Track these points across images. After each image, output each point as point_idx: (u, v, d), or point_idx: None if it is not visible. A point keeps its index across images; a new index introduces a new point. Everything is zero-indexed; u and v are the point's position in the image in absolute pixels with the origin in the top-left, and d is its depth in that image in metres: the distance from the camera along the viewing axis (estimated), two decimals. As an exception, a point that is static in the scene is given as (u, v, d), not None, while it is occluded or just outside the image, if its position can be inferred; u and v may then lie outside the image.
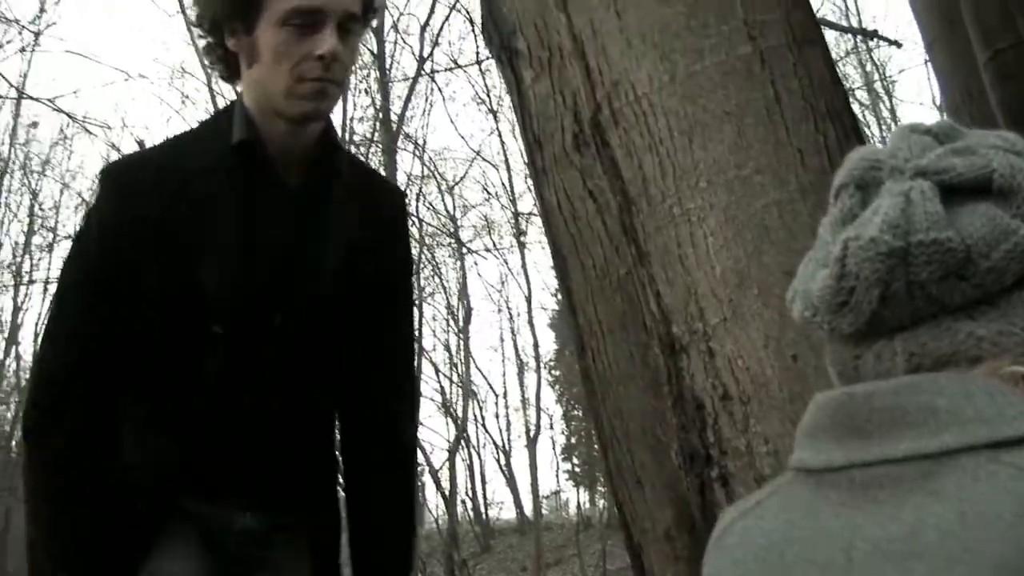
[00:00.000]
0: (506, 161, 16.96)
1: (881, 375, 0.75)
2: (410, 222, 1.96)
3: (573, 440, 23.26)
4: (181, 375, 1.48)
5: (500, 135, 20.38)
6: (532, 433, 17.57)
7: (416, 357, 1.86)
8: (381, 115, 13.24)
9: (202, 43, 1.59)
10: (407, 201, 1.82)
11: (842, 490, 0.72)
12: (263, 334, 1.50)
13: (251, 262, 1.48)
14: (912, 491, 0.67)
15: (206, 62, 1.73)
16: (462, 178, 18.36)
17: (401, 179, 15.79)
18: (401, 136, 14.31)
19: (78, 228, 1.58)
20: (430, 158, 16.86)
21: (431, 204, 17.28)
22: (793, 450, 0.80)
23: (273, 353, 1.52)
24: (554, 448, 24.31)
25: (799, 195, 1.46)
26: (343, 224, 1.58)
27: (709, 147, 1.51)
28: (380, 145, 13.40)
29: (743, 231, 1.43)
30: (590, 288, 1.80)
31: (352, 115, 14.04)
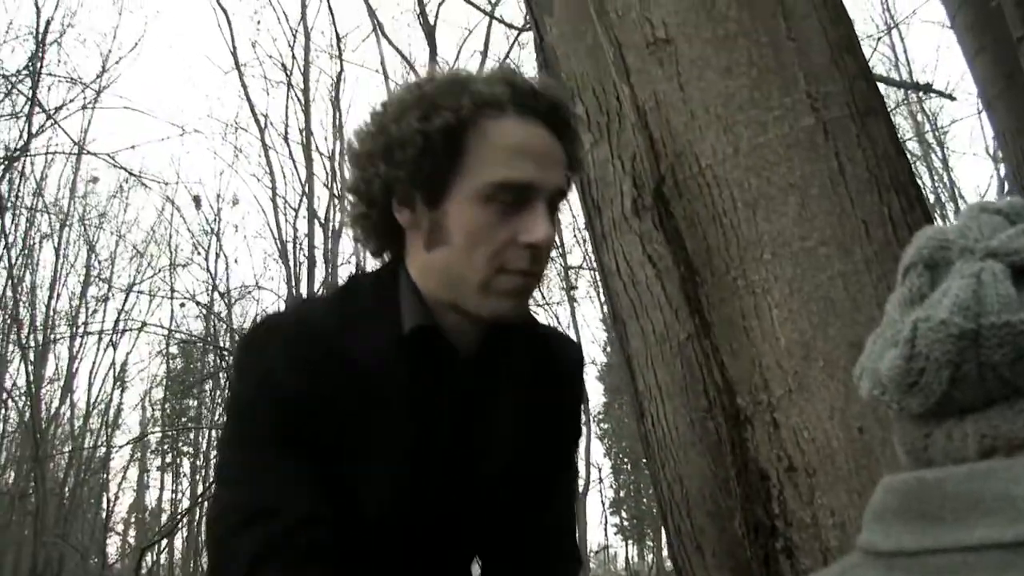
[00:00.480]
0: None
1: (951, 456, 0.75)
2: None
3: (622, 494, 22.99)
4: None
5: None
6: (581, 487, 17.41)
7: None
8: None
9: (355, 212, 1.28)
10: (582, 354, 1.50)
11: (915, 575, 0.71)
12: (423, 550, 1.26)
13: (418, 478, 1.22)
14: None
15: (353, 234, 1.38)
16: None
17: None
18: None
19: (232, 400, 1.27)
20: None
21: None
22: (861, 528, 0.80)
23: (432, 560, 1.28)
24: (603, 502, 24.02)
25: (864, 267, 1.47)
26: (521, 405, 1.31)
27: (773, 219, 1.52)
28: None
29: (808, 303, 1.44)
30: (649, 353, 1.81)
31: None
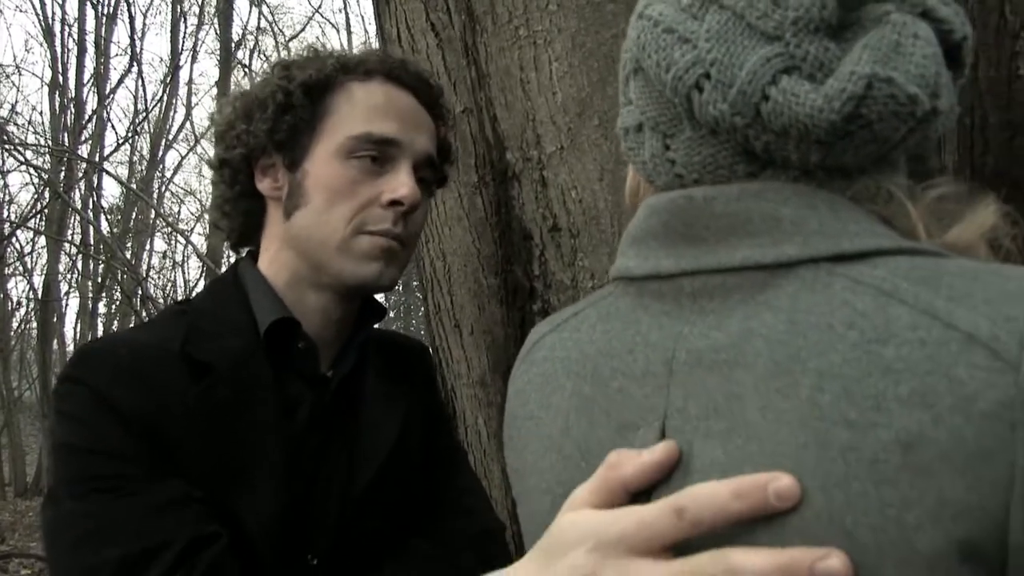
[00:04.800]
0: (347, 22, 16.45)
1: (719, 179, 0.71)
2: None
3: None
4: None
5: (342, -6, 19.82)
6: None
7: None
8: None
9: (216, 194, 1.21)
10: (430, 355, 1.44)
11: (668, 299, 0.68)
12: (312, 558, 1.13)
13: (292, 492, 1.11)
14: (744, 301, 0.64)
15: (215, 221, 1.28)
16: (299, 32, 17.70)
17: (236, 31, 15.03)
18: (239, -15, 13.54)
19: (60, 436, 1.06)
20: (269, 10, 16.10)
21: (266, 58, 16.59)
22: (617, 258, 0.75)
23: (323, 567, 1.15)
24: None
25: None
26: (385, 420, 1.24)
27: (562, -33, 1.42)
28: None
29: (589, 59, 1.36)
30: (424, 124, 1.72)
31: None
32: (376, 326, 1.30)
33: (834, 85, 0.60)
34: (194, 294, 1.24)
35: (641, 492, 0.63)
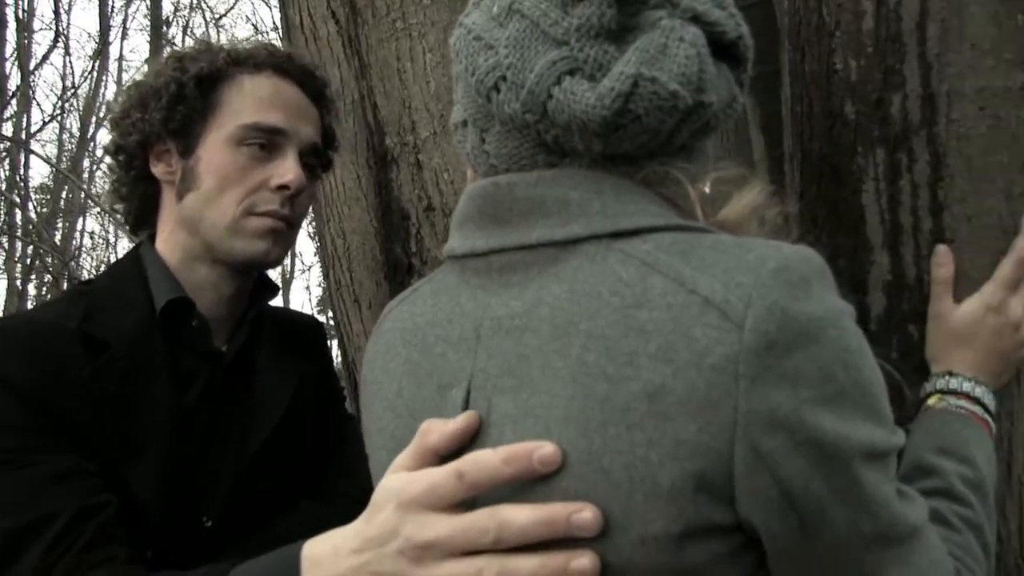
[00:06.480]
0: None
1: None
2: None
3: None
4: None
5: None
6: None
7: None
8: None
9: (113, 178, 1.27)
10: (325, 332, 1.51)
11: (482, 274, 0.77)
12: (192, 542, 1.18)
13: (182, 459, 1.16)
14: (540, 274, 0.72)
15: (113, 205, 1.35)
16: (229, 10, 17.33)
17: (167, 8, 14.73)
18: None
19: None
20: (199, -13, 15.77)
21: (195, 36, 16.22)
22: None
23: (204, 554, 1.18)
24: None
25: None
26: (276, 390, 1.31)
27: (434, -37, 1.51)
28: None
29: (460, 50, 1.46)
30: (326, 109, 1.79)
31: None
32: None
33: (606, 84, 0.69)
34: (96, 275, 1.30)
35: (454, 453, 0.71)
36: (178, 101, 1.19)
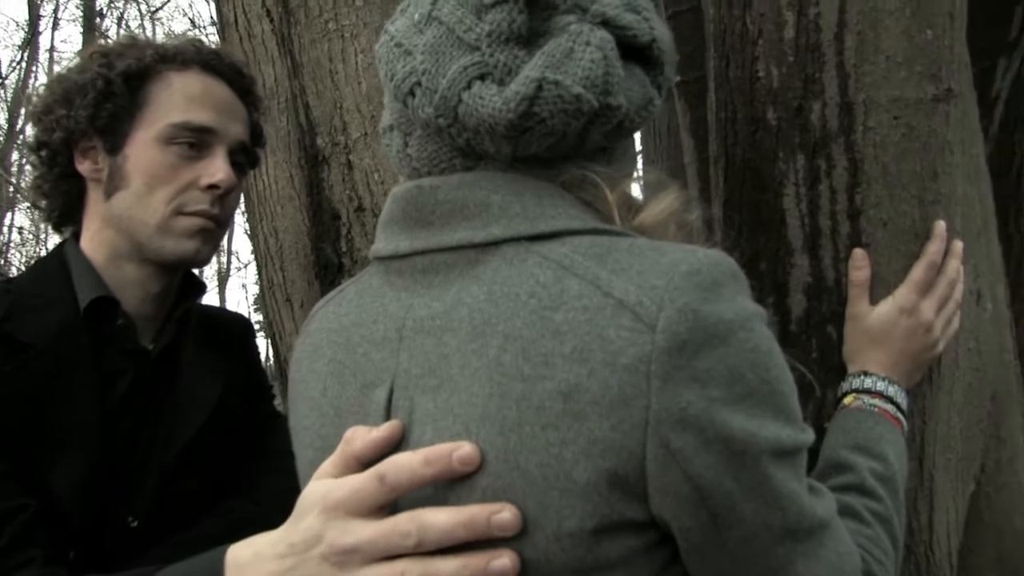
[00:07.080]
0: (216, -7, 15.87)
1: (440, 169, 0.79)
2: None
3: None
4: None
5: (215, -34, 19.02)
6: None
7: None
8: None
9: (36, 174, 1.25)
10: (253, 330, 1.52)
11: (406, 276, 0.78)
12: (118, 542, 1.16)
13: (107, 458, 1.15)
14: (461, 276, 0.73)
15: (34, 201, 1.33)
16: (166, 2, 17.05)
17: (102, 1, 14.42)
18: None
19: None
20: (134, -21, 15.47)
21: (130, 29, 15.93)
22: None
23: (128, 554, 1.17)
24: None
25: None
26: (203, 388, 1.31)
27: (366, -35, 1.51)
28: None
29: (392, 52, 1.47)
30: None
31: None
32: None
33: (512, 88, 0.70)
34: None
35: (375, 461, 0.71)
36: (105, 98, 1.18)
